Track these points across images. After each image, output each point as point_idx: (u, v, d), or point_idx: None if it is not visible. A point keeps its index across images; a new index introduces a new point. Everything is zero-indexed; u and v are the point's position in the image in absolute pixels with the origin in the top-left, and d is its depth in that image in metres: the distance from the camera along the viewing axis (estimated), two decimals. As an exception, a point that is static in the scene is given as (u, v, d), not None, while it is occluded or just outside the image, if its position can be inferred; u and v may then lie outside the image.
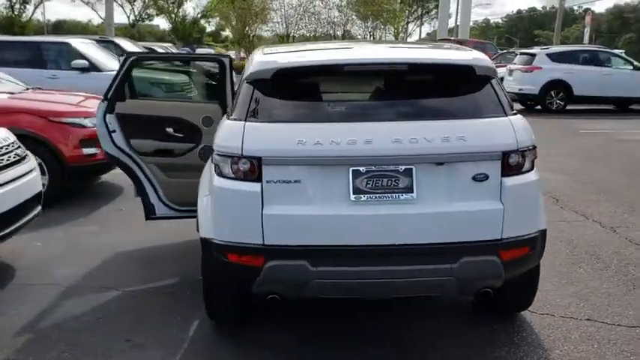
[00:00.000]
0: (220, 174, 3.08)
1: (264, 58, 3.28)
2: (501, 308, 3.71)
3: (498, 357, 3.28)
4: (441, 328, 3.62)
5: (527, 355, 3.30)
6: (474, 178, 2.99)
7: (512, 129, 3.05)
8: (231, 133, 3.08)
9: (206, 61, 5.16)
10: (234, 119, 3.13)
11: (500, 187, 3.01)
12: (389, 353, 3.34)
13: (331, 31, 47.16)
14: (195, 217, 4.46)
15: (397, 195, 2.94)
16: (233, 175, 3.02)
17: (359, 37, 49.59)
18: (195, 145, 4.42)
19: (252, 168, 2.97)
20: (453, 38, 32.73)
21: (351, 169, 2.93)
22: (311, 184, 2.95)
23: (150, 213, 4.56)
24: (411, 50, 3.81)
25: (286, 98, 3.18)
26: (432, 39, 48.27)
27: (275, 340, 3.48)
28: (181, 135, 4.43)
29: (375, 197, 2.94)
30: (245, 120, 3.06)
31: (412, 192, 2.94)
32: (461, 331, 3.59)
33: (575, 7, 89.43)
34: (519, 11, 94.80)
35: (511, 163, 3.02)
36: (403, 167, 2.94)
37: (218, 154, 3.09)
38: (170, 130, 4.43)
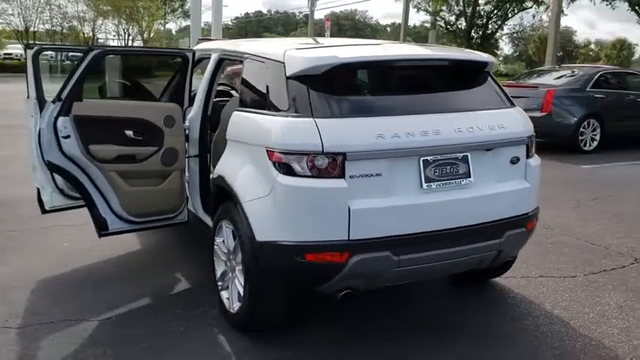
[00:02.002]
0: (290, 173, 2.94)
1: (313, 54, 3.20)
2: (485, 276, 4.16)
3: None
4: (439, 303, 3.94)
5: (514, 302, 3.88)
6: (511, 161, 3.37)
7: (527, 118, 3.52)
8: (301, 131, 2.95)
9: (170, 55, 4.60)
10: (294, 116, 3.00)
11: (525, 168, 3.45)
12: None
13: (79, 27, 43.87)
14: (152, 228, 4.13)
15: (459, 180, 3.17)
16: (310, 173, 2.91)
17: (112, 33, 46.92)
18: (158, 148, 3.99)
19: (333, 164, 2.90)
20: (212, 38, 33.13)
21: (421, 159, 3.07)
22: (389, 176, 3.01)
23: (102, 228, 3.97)
24: (439, 50, 4.02)
25: (347, 93, 3.17)
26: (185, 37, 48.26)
27: (296, 339, 3.43)
28: (141, 138, 3.95)
29: (442, 184, 3.13)
30: (312, 116, 2.96)
31: (470, 177, 3.20)
32: (453, 301, 3.96)
33: (297, 12, 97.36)
34: (247, 14, 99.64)
35: (530, 146, 3.48)
36: (461, 155, 3.17)
37: (284, 153, 2.94)
38: (130, 132, 3.91)
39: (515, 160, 3.38)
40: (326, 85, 3.09)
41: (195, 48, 4.46)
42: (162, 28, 52.59)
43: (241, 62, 4.18)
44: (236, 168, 3.34)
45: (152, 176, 4.04)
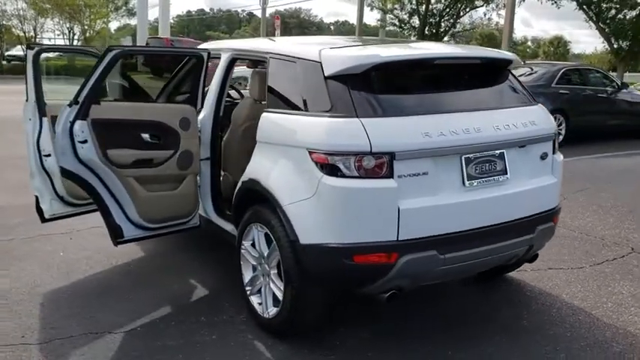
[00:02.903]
0: (336, 174, 2.90)
1: (353, 53, 3.18)
2: (502, 271, 4.22)
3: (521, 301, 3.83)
4: (463, 300, 3.99)
5: (533, 294, 3.97)
6: (541, 157, 3.44)
7: (550, 114, 3.60)
8: (347, 131, 2.92)
9: (185, 55, 4.41)
10: (338, 116, 2.96)
11: (552, 164, 3.52)
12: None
13: (20, 25, 42.04)
14: (166, 234, 4.01)
15: (497, 177, 3.21)
16: (357, 174, 2.88)
17: (57, 31, 45.23)
18: (175, 151, 3.87)
19: (380, 164, 2.88)
20: (164, 37, 32.43)
21: (463, 157, 3.09)
22: (435, 174, 3.01)
23: (118, 236, 3.81)
24: (469, 48, 4.03)
25: (388, 92, 3.14)
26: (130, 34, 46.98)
27: (334, 341, 3.39)
28: (158, 141, 3.81)
29: (482, 182, 3.16)
30: (357, 116, 2.93)
31: (506, 173, 3.24)
32: (477, 297, 4.02)
33: (240, 10, 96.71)
34: (189, 12, 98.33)
35: (555, 142, 3.56)
36: (498, 152, 3.21)
37: (330, 154, 2.90)
38: (146, 136, 3.76)
39: (544, 156, 3.45)
40: (366, 84, 3.06)
41: (204, 46, 4.33)
42: (106, 26, 51.04)
43: (259, 62, 4.12)
44: (271, 170, 3.27)
45: (169, 180, 3.91)
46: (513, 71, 3.69)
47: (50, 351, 3.27)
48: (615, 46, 18.17)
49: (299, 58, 3.33)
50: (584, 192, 6.95)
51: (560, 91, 10.58)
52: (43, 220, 4.39)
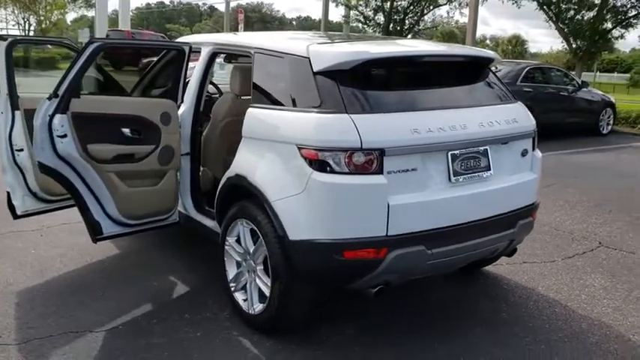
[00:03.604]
0: (326, 170, 2.90)
1: (342, 49, 3.18)
2: (480, 265, 4.30)
3: (497, 294, 3.92)
4: (442, 294, 4.06)
5: (510, 288, 4.07)
6: (522, 154, 3.52)
7: (529, 112, 3.68)
8: (337, 127, 2.92)
9: (165, 48, 4.29)
10: (328, 112, 2.97)
11: (532, 160, 3.61)
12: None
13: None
14: (146, 230, 3.95)
15: (481, 174, 3.27)
16: (347, 170, 2.89)
17: (12, 22, 43.76)
18: (155, 146, 3.80)
19: (370, 160, 2.90)
20: (124, 29, 31.83)
21: (449, 153, 3.13)
22: (423, 171, 3.05)
23: (97, 233, 3.73)
24: (452, 46, 4.05)
25: (377, 89, 3.16)
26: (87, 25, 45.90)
27: (320, 337, 3.41)
28: (139, 136, 3.74)
29: (467, 178, 3.21)
30: (347, 112, 2.94)
31: (490, 170, 3.31)
32: (455, 292, 4.10)
33: (201, 4, 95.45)
34: (149, 5, 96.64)
35: (534, 139, 3.65)
36: (482, 148, 3.27)
37: (320, 149, 2.90)
38: (127, 130, 3.69)
39: (524, 153, 3.54)
40: (355, 80, 3.07)
41: (183, 40, 4.26)
42: (63, 17, 49.60)
43: (242, 56, 4.08)
44: (258, 166, 3.25)
45: (149, 176, 3.85)
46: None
47: (30, 351, 3.19)
48: (574, 45, 18.67)
49: (286, 53, 3.31)
50: (551, 187, 7.13)
51: (525, 89, 10.83)
52: (15, 216, 4.26)
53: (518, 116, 3.51)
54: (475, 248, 3.30)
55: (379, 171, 2.91)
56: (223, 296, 3.71)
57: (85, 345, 3.26)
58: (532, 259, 4.71)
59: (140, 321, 3.56)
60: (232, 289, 3.58)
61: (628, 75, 44.54)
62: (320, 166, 2.91)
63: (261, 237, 3.22)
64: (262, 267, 3.33)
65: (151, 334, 3.39)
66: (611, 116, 13.00)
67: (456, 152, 3.16)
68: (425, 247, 3.04)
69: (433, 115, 3.14)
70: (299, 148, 2.98)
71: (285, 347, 3.26)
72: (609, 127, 12.95)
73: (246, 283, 3.49)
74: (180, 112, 4.00)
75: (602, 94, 13.24)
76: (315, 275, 3.12)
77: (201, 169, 4.36)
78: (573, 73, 15.95)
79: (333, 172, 2.90)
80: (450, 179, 3.15)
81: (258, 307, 3.36)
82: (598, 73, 45.31)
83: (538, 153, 3.68)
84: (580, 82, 12.55)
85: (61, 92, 3.35)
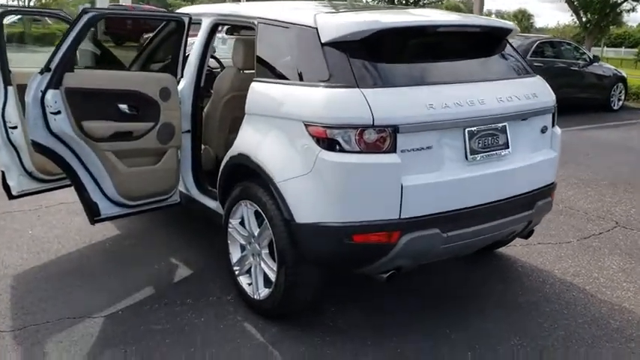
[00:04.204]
0: (335, 149, 2.72)
1: (352, 19, 2.97)
2: (494, 247, 4.13)
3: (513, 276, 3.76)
4: (457, 277, 3.90)
5: (525, 270, 3.91)
6: (541, 131, 3.32)
7: (549, 87, 3.47)
8: (347, 102, 2.73)
9: (164, 19, 4.09)
10: (337, 86, 2.77)
11: (551, 137, 3.42)
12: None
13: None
14: (146, 212, 3.79)
15: (499, 152, 3.08)
16: (358, 149, 2.71)
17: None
18: (155, 124, 3.62)
19: (383, 138, 2.71)
20: (126, 4, 31.31)
21: (466, 130, 2.94)
22: (438, 149, 2.86)
23: (94, 214, 3.57)
24: (469, 16, 3.82)
25: (389, 61, 2.95)
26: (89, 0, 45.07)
27: (327, 322, 3.26)
28: (137, 113, 3.55)
29: (485, 156, 3.02)
30: (358, 86, 2.74)
31: (508, 147, 3.12)
32: (470, 275, 3.94)
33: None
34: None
35: (554, 115, 3.45)
36: (501, 125, 3.08)
37: (329, 127, 2.71)
38: (124, 106, 3.50)
39: (544, 130, 3.34)
40: (366, 52, 2.87)
41: (184, 11, 4.05)
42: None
43: (244, 28, 3.89)
44: (262, 144, 3.06)
45: (149, 155, 3.67)
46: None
47: (25, 338, 3.05)
48: (584, 19, 18.29)
49: (292, 23, 3.11)
50: (563, 165, 6.89)
51: (535, 64, 10.54)
52: (11, 197, 4.10)
53: (537, 91, 3.31)
54: (492, 231, 3.13)
55: (392, 149, 2.73)
56: (226, 279, 3.56)
57: (83, 331, 3.12)
58: (547, 240, 4.54)
59: (141, 306, 3.42)
60: (236, 272, 3.42)
61: (635, 50, 43.88)
62: (328, 144, 2.73)
63: (266, 220, 3.05)
64: (267, 251, 3.17)
65: (152, 319, 3.25)
66: (623, 91, 12.71)
67: (473, 129, 2.96)
68: (440, 230, 2.87)
69: (449, 89, 2.94)
70: (306, 126, 2.79)
71: (292, 333, 3.11)
72: (620, 103, 12.67)
73: (250, 267, 3.33)
74: (180, 87, 3.81)
75: (613, 68, 12.93)
76: (323, 260, 2.96)
77: (203, 147, 4.18)
78: (583, 47, 15.59)
79: (342, 150, 2.71)
80: (466, 158, 2.96)
81: (264, 292, 3.21)
82: (605, 48, 44.63)
83: (558, 130, 3.48)
84: (591, 57, 12.24)
85: (53, 66, 3.16)
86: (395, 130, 2.71)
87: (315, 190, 2.78)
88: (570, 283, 3.79)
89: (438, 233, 2.86)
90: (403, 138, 2.74)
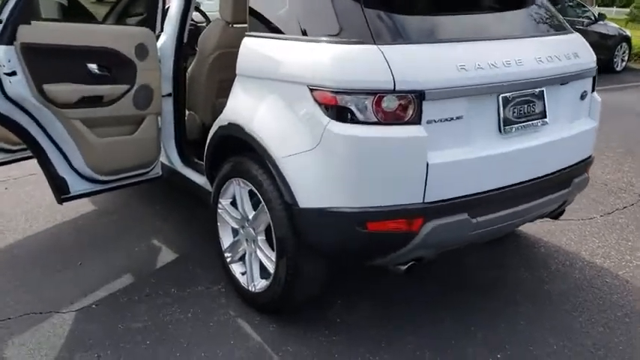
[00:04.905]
0: (347, 119, 2.25)
1: None
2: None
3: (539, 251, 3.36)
4: (477, 260, 3.48)
5: (549, 252, 3.51)
6: (581, 96, 2.86)
7: (589, 46, 2.99)
8: (362, 62, 2.25)
9: None
10: (350, 42, 2.28)
11: (590, 104, 2.96)
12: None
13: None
14: (122, 187, 3.32)
15: (535, 122, 2.62)
16: (375, 119, 2.23)
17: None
18: (130, 86, 3.11)
19: (406, 106, 2.24)
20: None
21: (500, 96, 2.47)
22: (469, 119, 2.39)
23: (62, 192, 3.09)
24: None
25: (410, 13, 2.45)
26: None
27: (330, 317, 2.85)
28: (109, 73, 3.03)
29: (520, 128, 2.56)
30: (374, 42, 2.25)
31: (545, 117, 2.66)
32: (491, 257, 3.53)
33: None
34: None
35: (594, 79, 2.98)
36: (538, 90, 2.61)
37: (340, 92, 2.23)
38: (93, 66, 2.98)
39: (583, 96, 2.88)
40: (383, 2, 2.37)
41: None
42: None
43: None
44: (258, 113, 2.58)
45: (124, 123, 3.17)
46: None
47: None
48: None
49: (293, -34, 2.58)
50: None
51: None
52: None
53: (578, 50, 2.83)
54: (526, 213, 2.70)
55: (417, 120, 2.26)
56: (215, 265, 3.14)
57: (50, 331, 2.69)
58: (568, 216, 4.09)
59: (118, 298, 2.98)
60: (228, 259, 2.98)
61: (627, 9, 43.19)
62: (339, 113, 2.25)
63: (263, 202, 2.59)
64: (264, 237, 2.73)
65: (131, 315, 2.82)
66: (627, 52, 12.21)
67: (508, 95, 2.49)
68: (469, 215, 2.43)
69: (482, 47, 2.46)
70: (311, 90, 2.31)
71: (293, 332, 2.70)
72: (623, 64, 12.18)
73: (244, 254, 2.89)
74: (159, 43, 3.29)
75: (618, 27, 12.38)
76: (331, 251, 2.52)
77: (187, 113, 3.69)
78: (588, 4, 15.00)
79: (356, 121, 2.24)
80: (500, 130, 2.50)
81: (260, 283, 2.78)
82: (596, 7, 43.92)
83: (597, 96, 3.02)
84: (596, 15, 11.69)
85: (3, 17, 2.62)
86: (420, 96, 2.23)
87: (323, 168, 2.31)
88: (601, 268, 3.40)
89: (467, 219, 2.42)
90: (430, 106, 2.26)
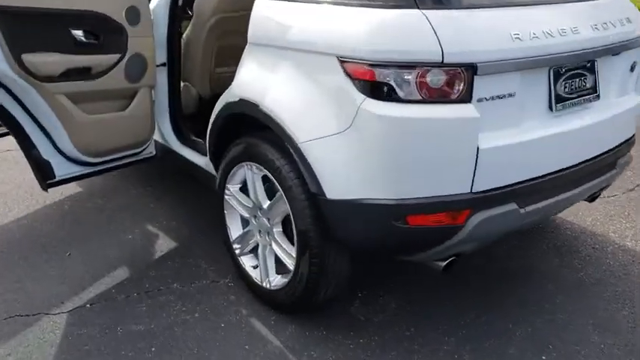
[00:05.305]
0: (385, 97, 1.93)
1: None
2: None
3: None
4: (498, 246, 3.23)
5: (576, 234, 3.26)
6: (631, 68, 2.58)
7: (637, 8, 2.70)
8: (402, 29, 1.92)
9: None
10: (390, 5, 1.95)
11: (638, 77, 2.68)
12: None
13: None
14: (113, 169, 2.98)
15: (587, 98, 2.33)
16: (419, 97, 1.92)
17: None
18: (121, 55, 2.74)
19: (455, 82, 1.93)
20: None
21: (551, 70, 2.17)
22: (521, 97, 2.10)
23: (47, 177, 2.73)
24: None
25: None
26: None
27: (355, 317, 2.59)
28: (97, 41, 2.65)
29: (571, 105, 2.28)
30: (417, 6, 1.93)
31: (596, 92, 2.37)
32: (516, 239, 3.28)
33: None
34: None
35: (643, 47, 2.69)
36: (589, 62, 2.32)
37: (378, 65, 1.91)
38: (79, 33, 2.59)
39: (633, 67, 2.59)
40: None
41: None
42: None
43: None
44: (276, 88, 2.24)
45: (114, 97, 2.81)
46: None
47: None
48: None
49: None
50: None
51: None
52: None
53: (630, 14, 2.53)
54: (572, 200, 2.46)
55: (467, 98, 1.95)
56: (221, 255, 2.84)
57: (39, 336, 2.38)
58: (588, 194, 3.89)
59: (114, 295, 2.67)
60: (237, 251, 2.68)
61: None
62: (376, 90, 1.94)
63: (281, 191, 2.28)
64: (281, 228, 2.42)
65: (131, 315, 2.51)
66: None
67: (559, 68, 2.20)
68: (517, 205, 2.15)
69: (536, 13, 2.16)
70: (342, 62, 1.98)
71: (314, 334, 2.42)
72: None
73: (256, 247, 2.59)
74: (151, 6, 2.90)
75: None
76: (363, 247, 2.23)
77: (182, 84, 3.32)
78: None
79: (396, 99, 1.93)
80: (551, 108, 2.21)
81: (276, 279, 2.49)
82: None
83: (645, 67, 2.74)
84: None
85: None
86: (472, 69, 1.92)
87: (355, 154, 2.00)
88: (634, 252, 3.17)
89: (516, 209, 2.15)
90: (481, 82, 1.95)
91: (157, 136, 3.16)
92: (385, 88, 1.93)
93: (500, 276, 2.90)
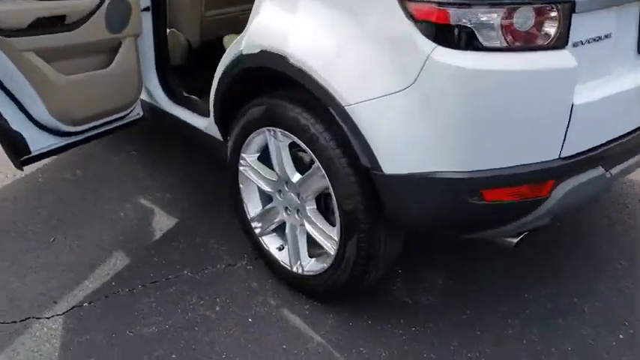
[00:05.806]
0: (461, 44, 1.53)
1: None
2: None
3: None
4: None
5: (629, 181, 2.96)
6: None
7: None
8: (485, -43, 1.50)
9: None
10: None
11: None
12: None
13: None
14: (97, 138, 2.53)
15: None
16: (504, 43, 1.52)
17: None
18: (101, 1, 2.23)
19: (547, 22, 1.54)
20: None
21: (641, 5, 1.79)
22: (616, 38, 1.72)
23: (20, 153, 2.26)
24: None
25: None
26: None
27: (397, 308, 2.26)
28: (68, -18, 2.14)
29: (659, 47, 1.91)
30: None
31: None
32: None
33: None
34: None
35: None
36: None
37: (453, 4, 1.50)
38: (46, -27, 2.07)
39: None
40: None
41: None
42: None
43: None
44: (312, 36, 1.79)
45: (95, 51, 2.33)
46: None
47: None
48: None
49: None
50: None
51: None
52: None
53: None
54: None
55: (562, 43, 1.56)
56: (232, 232, 2.46)
57: (34, 348, 1.98)
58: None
59: (115, 289, 2.26)
60: (257, 230, 2.29)
61: None
62: (449, 36, 1.53)
63: (318, 163, 1.87)
64: (314, 206, 2.04)
65: (140, 314, 2.12)
66: None
67: (651, 2, 1.81)
68: (604, 168, 1.81)
69: None
70: (403, 0, 1.55)
71: (360, 324, 2.08)
72: None
73: (281, 226, 2.20)
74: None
75: None
76: (426, 228, 1.87)
77: (167, 30, 2.83)
78: None
79: (474, 47, 1.52)
80: (638, 51, 1.84)
81: (310, 263, 2.12)
82: None
83: None
84: None
85: None
86: (570, 6, 1.52)
87: (421, 117, 1.61)
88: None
89: (603, 174, 1.81)
90: (579, 21, 1.56)
91: (142, 95, 2.69)
92: (461, 33, 1.52)
93: (554, 245, 2.58)
